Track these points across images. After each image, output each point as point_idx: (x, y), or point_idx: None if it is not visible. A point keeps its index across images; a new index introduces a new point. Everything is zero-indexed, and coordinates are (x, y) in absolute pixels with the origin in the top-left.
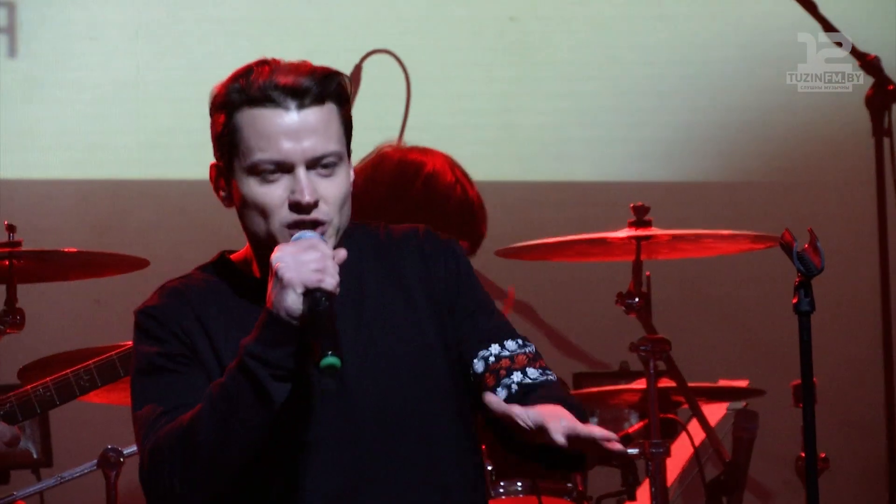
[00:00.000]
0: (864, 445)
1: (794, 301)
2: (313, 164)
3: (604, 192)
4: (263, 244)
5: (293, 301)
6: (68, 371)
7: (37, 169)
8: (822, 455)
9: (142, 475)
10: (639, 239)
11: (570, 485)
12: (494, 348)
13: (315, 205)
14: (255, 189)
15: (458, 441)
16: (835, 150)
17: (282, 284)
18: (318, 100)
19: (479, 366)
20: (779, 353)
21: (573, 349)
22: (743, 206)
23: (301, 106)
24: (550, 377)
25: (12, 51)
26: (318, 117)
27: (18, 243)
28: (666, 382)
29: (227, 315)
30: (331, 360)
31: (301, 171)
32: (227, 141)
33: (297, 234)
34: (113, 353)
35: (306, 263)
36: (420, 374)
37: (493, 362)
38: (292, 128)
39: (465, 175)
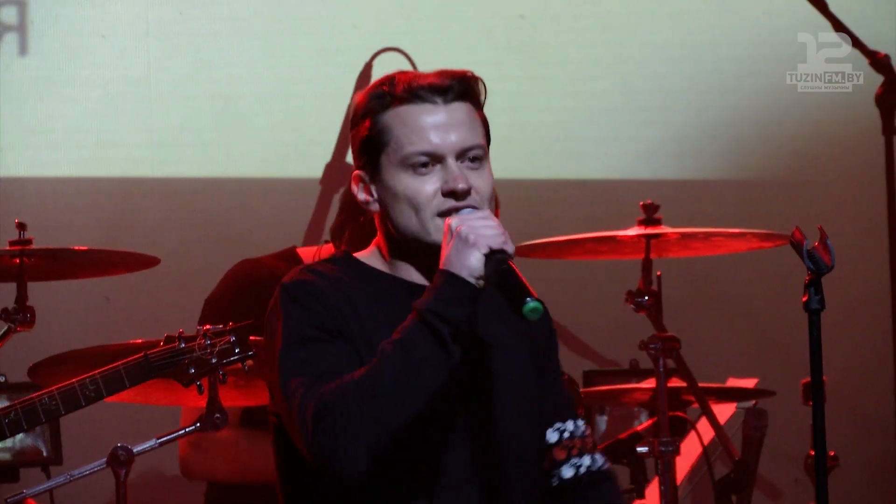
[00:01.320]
0: (874, 443)
1: (804, 299)
2: (462, 155)
3: (613, 190)
4: (411, 239)
5: (477, 260)
6: (74, 381)
7: (47, 167)
8: (832, 453)
9: (308, 439)
10: (648, 237)
11: None
12: (570, 424)
13: (469, 192)
14: (407, 182)
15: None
16: (845, 148)
17: (467, 244)
18: (461, 97)
19: (552, 436)
20: (788, 352)
21: (583, 347)
22: (753, 204)
23: (446, 101)
24: (607, 466)
25: (23, 48)
26: (464, 112)
27: (29, 241)
28: (675, 381)
29: (376, 306)
30: (534, 303)
31: (452, 161)
32: (376, 141)
33: (464, 209)
34: (119, 363)
35: (489, 227)
36: (534, 422)
37: (566, 438)
38: (441, 121)
39: None
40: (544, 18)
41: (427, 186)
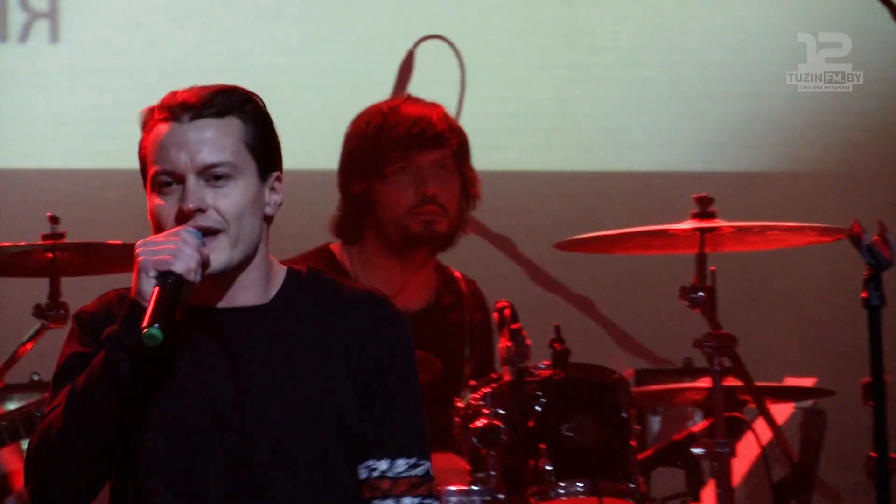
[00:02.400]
0: None
1: (864, 295)
2: (203, 172)
3: (666, 182)
4: None
5: (145, 283)
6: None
7: (80, 158)
8: (894, 455)
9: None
10: (702, 231)
11: (632, 485)
12: (383, 463)
13: (198, 212)
14: (156, 201)
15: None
16: None
17: (138, 269)
18: (215, 113)
19: (362, 473)
20: (848, 350)
21: (635, 345)
22: (810, 196)
23: (192, 118)
24: None
25: (54, 36)
26: (213, 129)
27: (62, 235)
28: (731, 380)
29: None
30: (153, 331)
31: (191, 179)
32: (140, 161)
33: (182, 230)
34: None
35: (161, 249)
36: (315, 418)
37: (374, 477)
38: (182, 140)
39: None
40: (592, 3)
41: (170, 206)
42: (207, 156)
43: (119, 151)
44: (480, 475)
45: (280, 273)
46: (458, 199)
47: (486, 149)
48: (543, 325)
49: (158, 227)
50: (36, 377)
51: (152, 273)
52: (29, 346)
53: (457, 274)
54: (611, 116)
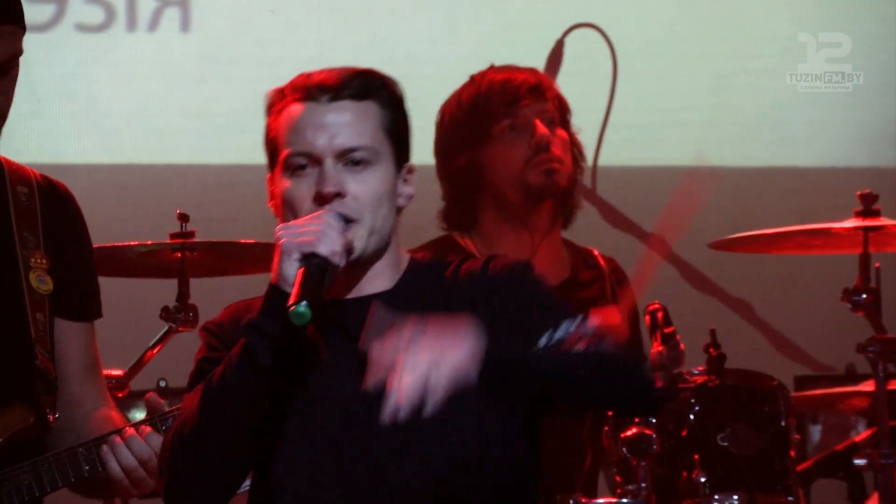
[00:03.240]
0: None
1: None
2: (341, 156)
3: (828, 178)
4: None
5: (287, 266)
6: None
7: (211, 153)
8: None
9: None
10: (866, 230)
11: (790, 498)
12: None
13: (335, 196)
14: (286, 185)
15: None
16: None
17: (279, 252)
18: (353, 96)
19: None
20: None
21: (794, 350)
22: None
23: (332, 99)
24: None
25: (185, 24)
26: (352, 111)
27: (191, 233)
28: None
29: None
30: (301, 308)
31: (329, 163)
32: (269, 143)
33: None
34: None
35: (304, 231)
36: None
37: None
38: (320, 122)
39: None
40: None
41: (304, 189)
42: (347, 139)
43: (252, 145)
44: (630, 487)
45: (405, 260)
46: (570, 154)
47: (639, 144)
48: (698, 328)
49: (290, 213)
50: (163, 383)
51: (296, 255)
52: (156, 350)
53: (594, 251)
54: (770, 109)
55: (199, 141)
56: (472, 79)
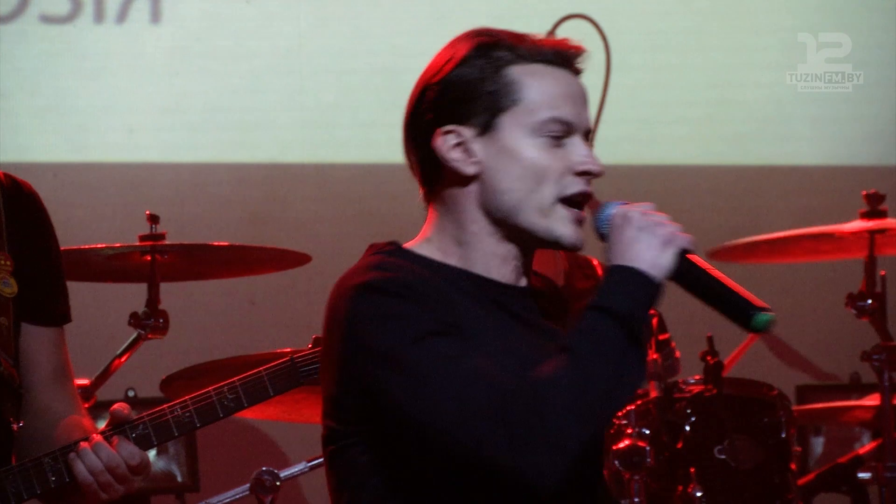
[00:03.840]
0: None
1: None
2: (587, 135)
3: (832, 178)
4: (513, 219)
5: (670, 261)
6: (211, 389)
7: (183, 151)
8: None
9: (495, 445)
10: (872, 232)
11: None
12: None
13: (594, 178)
14: (538, 150)
15: None
16: None
17: (663, 242)
18: (580, 71)
19: None
20: None
21: (797, 358)
22: None
23: (575, 72)
24: None
25: (156, 15)
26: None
27: (162, 236)
28: None
29: (469, 306)
30: (768, 315)
31: (581, 139)
32: (499, 96)
33: (612, 203)
34: (262, 368)
35: (671, 224)
36: None
37: None
38: (576, 92)
39: None
40: None
41: (557, 160)
42: (589, 118)
43: (227, 143)
44: (623, 502)
45: None
46: None
47: (634, 140)
48: (694, 335)
49: (538, 179)
50: (132, 393)
51: (675, 250)
52: (124, 358)
53: (593, 260)
54: (771, 105)
55: (171, 138)
56: None
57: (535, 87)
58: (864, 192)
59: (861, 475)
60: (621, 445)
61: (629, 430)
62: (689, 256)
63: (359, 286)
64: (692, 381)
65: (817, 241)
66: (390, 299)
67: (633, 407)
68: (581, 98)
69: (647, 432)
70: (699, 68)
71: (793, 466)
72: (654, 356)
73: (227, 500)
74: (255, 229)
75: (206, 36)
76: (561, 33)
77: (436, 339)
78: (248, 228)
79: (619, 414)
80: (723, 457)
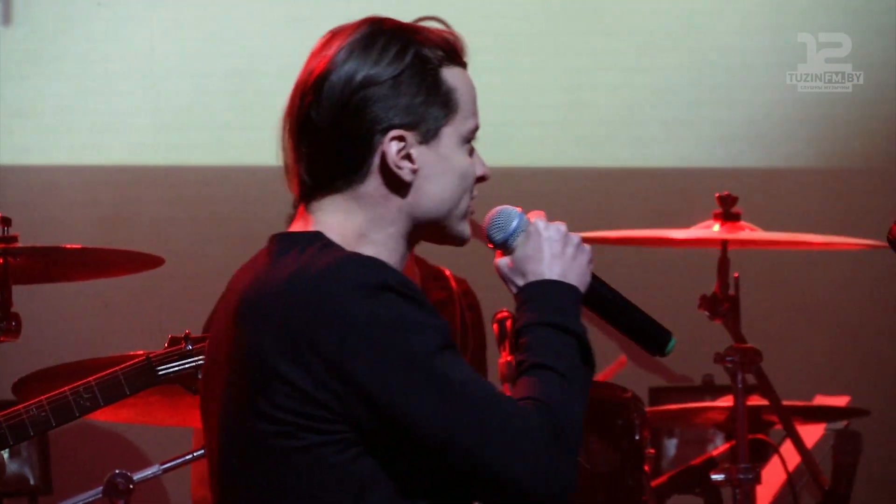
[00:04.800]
0: None
1: None
2: None
3: (685, 179)
4: (435, 225)
5: (588, 276)
6: (66, 388)
7: (36, 154)
8: None
9: (545, 464)
10: (725, 242)
11: None
12: None
13: None
14: (466, 160)
15: None
16: None
17: (589, 261)
18: None
19: None
20: (885, 365)
21: (649, 360)
22: (845, 196)
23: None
24: None
25: (6, 17)
26: None
27: (14, 238)
28: (756, 399)
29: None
30: (674, 339)
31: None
32: (447, 102)
33: (509, 210)
34: (118, 367)
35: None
36: None
37: None
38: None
39: None
40: None
41: (473, 168)
42: None
43: (79, 146)
44: None
45: None
46: None
47: (489, 143)
48: None
49: (461, 188)
50: None
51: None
52: None
53: (446, 271)
54: (624, 107)
55: (22, 140)
56: None
57: (463, 94)
58: (718, 194)
59: (714, 477)
60: None
61: None
62: (597, 277)
63: (369, 285)
64: None
65: (669, 245)
66: (409, 304)
67: None
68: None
69: None
70: (553, 69)
71: (646, 468)
72: (509, 358)
73: (80, 502)
74: (108, 232)
75: (58, 39)
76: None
77: (452, 352)
78: (102, 231)
79: None
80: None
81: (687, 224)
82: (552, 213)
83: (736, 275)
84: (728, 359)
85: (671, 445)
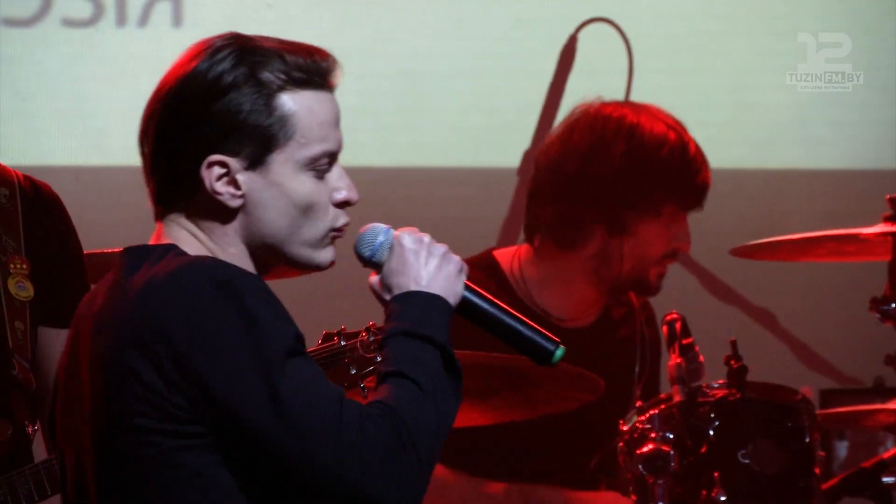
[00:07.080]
0: None
1: None
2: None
3: (856, 181)
4: (278, 251)
5: (461, 285)
6: None
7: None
8: None
9: (377, 475)
10: None
11: None
12: None
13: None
14: (310, 185)
15: None
16: None
17: (458, 269)
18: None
19: None
20: None
21: (820, 362)
22: None
23: (331, 88)
24: None
25: (177, 19)
26: None
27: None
28: None
29: None
30: (562, 349)
31: (339, 165)
32: (272, 130)
33: (378, 226)
34: None
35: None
36: None
37: None
38: (337, 116)
39: (677, 122)
40: None
41: (324, 193)
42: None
43: None
44: None
45: None
46: None
47: None
48: (718, 339)
49: (310, 215)
50: None
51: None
52: None
53: None
54: (794, 108)
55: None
56: (680, 136)
57: (306, 119)
58: (889, 196)
59: (886, 479)
60: (645, 450)
61: (653, 435)
62: (472, 286)
63: (223, 284)
64: (716, 386)
65: (840, 242)
66: (262, 307)
67: (656, 411)
68: (338, 120)
69: (671, 436)
70: (721, 71)
71: (816, 471)
72: (679, 360)
73: None
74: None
75: None
76: (583, 37)
77: (301, 359)
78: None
79: (643, 418)
80: (746, 461)
81: (856, 225)
82: (718, 216)
83: None
84: None
85: (842, 448)
